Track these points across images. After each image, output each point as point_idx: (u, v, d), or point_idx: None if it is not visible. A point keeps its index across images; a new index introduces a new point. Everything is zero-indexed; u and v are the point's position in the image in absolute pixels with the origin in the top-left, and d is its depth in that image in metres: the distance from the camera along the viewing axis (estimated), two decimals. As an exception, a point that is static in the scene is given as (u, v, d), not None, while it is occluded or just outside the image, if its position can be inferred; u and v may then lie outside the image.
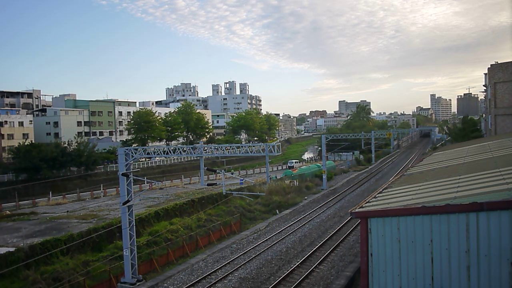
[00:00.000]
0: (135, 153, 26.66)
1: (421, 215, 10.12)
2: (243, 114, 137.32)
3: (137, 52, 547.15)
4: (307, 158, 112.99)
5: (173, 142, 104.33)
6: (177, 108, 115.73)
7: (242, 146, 34.66)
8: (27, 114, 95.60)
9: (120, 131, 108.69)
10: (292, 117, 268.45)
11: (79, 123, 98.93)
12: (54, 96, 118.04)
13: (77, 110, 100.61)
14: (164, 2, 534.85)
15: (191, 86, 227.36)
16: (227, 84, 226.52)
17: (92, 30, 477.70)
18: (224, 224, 36.38)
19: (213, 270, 23.00)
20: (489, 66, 46.06)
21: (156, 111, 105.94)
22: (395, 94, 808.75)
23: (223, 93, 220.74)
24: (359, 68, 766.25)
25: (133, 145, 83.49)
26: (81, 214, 40.09)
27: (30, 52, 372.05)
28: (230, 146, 35.03)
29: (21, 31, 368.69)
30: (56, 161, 63.03)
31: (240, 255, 25.59)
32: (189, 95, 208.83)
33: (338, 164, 76.01)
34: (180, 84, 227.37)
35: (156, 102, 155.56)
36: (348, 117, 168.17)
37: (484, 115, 77.05)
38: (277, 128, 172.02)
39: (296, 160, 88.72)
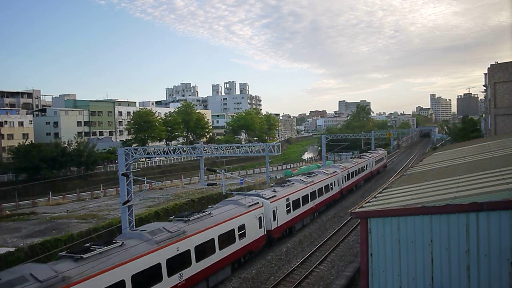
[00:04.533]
0: (135, 153, 26.69)
1: (421, 215, 10.13)
2: (243, 114, 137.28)
3: (137, 52, 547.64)
4: (307, 158, 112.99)
5: (173, 142, 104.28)
6: (177, 108, 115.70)
7: (242, 146, 34.71)
8: (27, 114, 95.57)
9: (120, 131, 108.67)
10: (292, 117, 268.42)
11: (79, 123, 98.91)
12: (54, 96, 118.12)
13: (77, 110, 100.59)
14: (162, 2, 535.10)
15: (191, 86, 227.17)
16: (227, 84, 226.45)
17: (92, 30, 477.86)
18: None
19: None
20: (489, 66, 46.12)
21: (156, 111, 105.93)
22: (395, 94, 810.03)
23: (223, 93, 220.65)
24: (359, 68, 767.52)
25: (133, 145, 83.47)
26: (81, 214, 40.13)
27: (30, 52, 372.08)
28: (230, 146, 35.08)
29: (21, 31, 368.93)
30: (56, 161, 63.02)
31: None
32: (189, 95, 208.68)
33: (338, 164, 75.87)
34: (180, 84, 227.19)
35: (156, 102, 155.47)
36: (348, 117, 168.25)
37: (484, 115, 77.10)
38: (277, 128, 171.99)
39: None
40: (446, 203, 9.83)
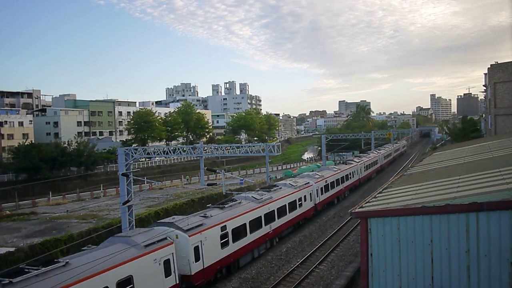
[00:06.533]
0: (135, 153, 26.68)
1: (421, 215, 10.13)
2: (243, 114, 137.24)
3: (137, 52, 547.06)
4: (307, 158, 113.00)
5: (173, 142, 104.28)
6: (177, 108, 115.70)
7: (242, 146, 34.72)
8: (27, 114, 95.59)
9: (120, 131, 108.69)
10: (292, 117, 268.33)
11: (79, 123, 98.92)
12: (54, 96, 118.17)
13: (77, 110, 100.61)
14: (162, 2, 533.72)
15: (191, 86, 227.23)
16: (227, 84, 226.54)
17: (92, 30, 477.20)
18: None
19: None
20: (489, 66, 46.11)
21: (156, 111, 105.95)
22: (395, 94, 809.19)
23: (223, 93, 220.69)
24: (359, 68, 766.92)
25: (133, 145, 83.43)
26: (81, 214, 40.14)
27: (30, 52, 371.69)
28: (230, 146, 35.08)
29: (21, 31, 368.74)
30: (56, 161, 63.04)
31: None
32: (189, 95, 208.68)
33: (338, 164, 75.83)
34: (180, 84, 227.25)
35: (156, 102, 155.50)
36: (348, 117, 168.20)
37: (484, 115, 77.08)
38: (277, 128, 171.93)
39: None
40: (446, 203, 9.83)
